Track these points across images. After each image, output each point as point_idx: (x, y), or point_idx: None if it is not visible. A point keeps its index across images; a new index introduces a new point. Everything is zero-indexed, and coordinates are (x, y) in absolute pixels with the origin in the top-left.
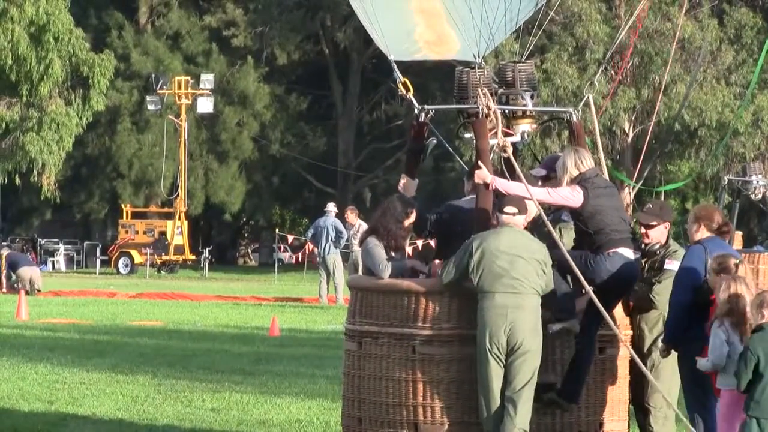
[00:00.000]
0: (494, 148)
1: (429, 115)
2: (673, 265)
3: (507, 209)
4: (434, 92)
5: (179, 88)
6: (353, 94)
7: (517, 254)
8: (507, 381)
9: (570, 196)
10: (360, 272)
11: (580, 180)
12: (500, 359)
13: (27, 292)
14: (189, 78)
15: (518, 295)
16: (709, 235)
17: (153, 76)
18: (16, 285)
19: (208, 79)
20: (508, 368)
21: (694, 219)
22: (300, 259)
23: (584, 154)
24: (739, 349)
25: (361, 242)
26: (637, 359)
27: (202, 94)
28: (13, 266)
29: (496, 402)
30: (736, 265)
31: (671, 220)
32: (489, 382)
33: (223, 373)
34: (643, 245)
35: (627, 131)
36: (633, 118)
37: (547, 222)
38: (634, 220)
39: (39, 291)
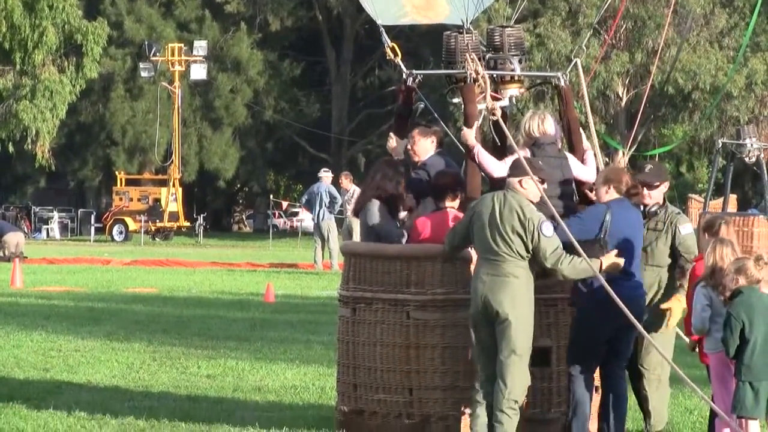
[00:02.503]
0: (483, 112)
1: (417, 80)
2: (687, 228)
3: (510, 172)
4: (427, 57)
5: (172, 55)
6: (347, 60)
7: (499, 220)
8: (498, 350)
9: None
10: (356, 238)
11: (533, 143)
12: (485, 324)
13: (19, 259)
14: (182, 45)
15: (497, 263)
16: (617, 197)
17: (146, 43)
18: (5, 252)
19: (201, 46)
20: (497, 336)
21: (603, 181)
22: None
23: (548, 120)
24: (721, 311)
25: (358, 210)
26: (639, 326)
27: (195, 61)
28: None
29: (486, 366)
30: (720, 225)
31: (668, 181)
32: (477, 345)
33: (219, 339)
34: (642, 207)
35: (621, 95)
36: (626, 82)
37: (548, 202)
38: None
39: (26, 258)
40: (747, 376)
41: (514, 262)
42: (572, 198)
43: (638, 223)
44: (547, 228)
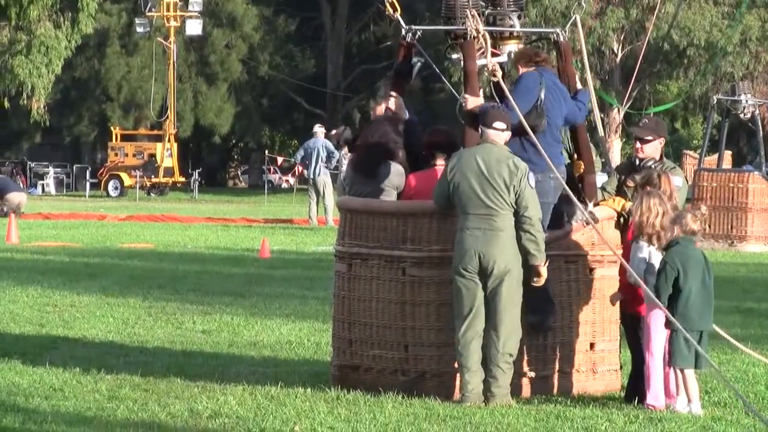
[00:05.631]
0: (483, 70)
1: (416, 36)
2: (675, 181)
3: (495, 124)
4: (422, 13)
5: (168, 10)
6: (342, 15)
7: (488, 174)
8: (488, 305)
9: None
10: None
11: None
12: (472, 281)
13: (15, 214)
14: (177, 0)
15: (490, 218)
16: (531, 68)
17: None
18: (3, 208)
19: (196, 2)
20: (488, 292)
21: (513, 65)
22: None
23: None
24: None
25: (371, 170)
26: (641, 283)
27: (190, 17)
28: (1, 191)
29: (465, 322)
30: (659, 176)
31: (666, 137)
32: (457, 301)
33: (214, 295)
34: (636, 160)
35: (616, 51)
36: (622, 38)
37: (523, 119)
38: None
39: (22, 213)
40: (681, 325)
41: (505, 215)
42: None
43: (557, 86)
44: (532, 179)
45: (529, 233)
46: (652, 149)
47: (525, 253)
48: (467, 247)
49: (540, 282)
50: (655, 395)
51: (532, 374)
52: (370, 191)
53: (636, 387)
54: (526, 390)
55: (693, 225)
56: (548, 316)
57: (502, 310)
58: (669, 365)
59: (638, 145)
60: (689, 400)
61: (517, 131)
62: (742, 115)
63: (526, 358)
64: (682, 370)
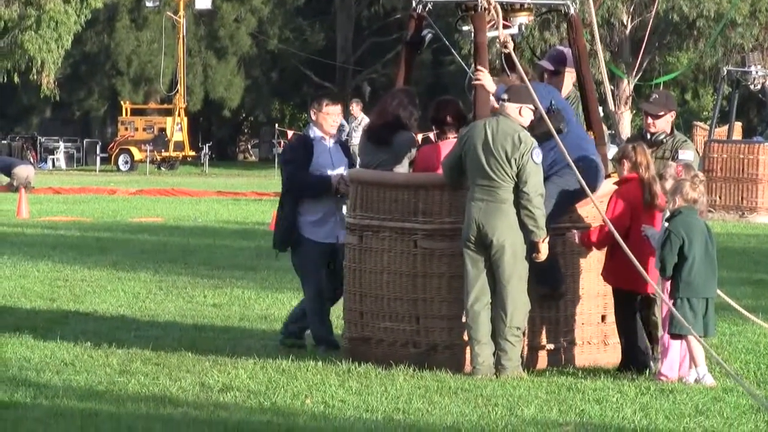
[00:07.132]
0: (495, 42)
1: (426, 8)
2: (687, 155)
3: (503, 95)
4: None
5: None
6: None
7: (492, 145)
8: (493, 279)
9: None
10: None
11: None
12: (476, 252)
13: (25, 189)
14: None
15: (492, 189)
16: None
17: None
18: (13, 183)
19: None
20: (491, 264)
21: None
22: None
23: None
24: None
25: (386, 138)
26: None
27: None
28: (6, 169)
29: (471, 294)
30: (635, 150)
31: (675, 110)
32: (465, 273)
33: (225, 268)
34: (648, 134)
35: (625, 23)
36: (631, 9)
37: (546, 119)
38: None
39: (32, 188)
40: (685, 293)
41: (507, 188)
42: None
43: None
44: (537, 155)
45: (526, 209)
46: (663, 123)
47: (525, 229)
48: (470, 218)
49: (540, 258)
50: (669, 365)
51: (544, 346)
52: (383, 160)
53: (627, 362)
54: (538, 362)
55: (693, 193)
56: (559, 284)
57: (506, 284)
58: (669, 332)
59: (649, 120)
60: (696, 365)
61: (544, 137)
62: (752, 87)
63: (537, 330)
64: (686, 337)
